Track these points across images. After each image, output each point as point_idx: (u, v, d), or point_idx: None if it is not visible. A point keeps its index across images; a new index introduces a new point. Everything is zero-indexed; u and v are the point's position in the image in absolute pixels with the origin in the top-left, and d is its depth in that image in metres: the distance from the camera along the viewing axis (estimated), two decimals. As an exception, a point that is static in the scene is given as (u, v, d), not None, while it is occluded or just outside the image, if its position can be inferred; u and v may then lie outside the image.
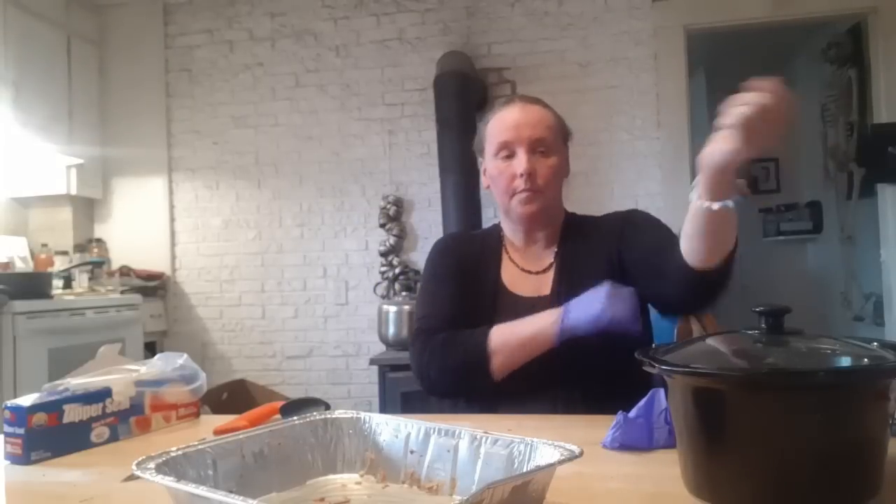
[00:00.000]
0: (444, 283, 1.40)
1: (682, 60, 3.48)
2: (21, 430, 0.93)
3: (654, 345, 0.98)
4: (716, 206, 0.98)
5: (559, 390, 1.22)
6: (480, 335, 1.25)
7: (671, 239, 1.18)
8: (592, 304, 1.13)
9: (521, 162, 1.32)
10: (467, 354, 1.24)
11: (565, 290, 1.31)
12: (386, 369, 3.08)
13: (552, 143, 1.35)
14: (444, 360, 1.26)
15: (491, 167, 1.38)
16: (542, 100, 1.42)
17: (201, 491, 0.59)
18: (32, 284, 3.02)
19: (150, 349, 3.63)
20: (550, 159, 1.34)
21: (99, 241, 3.92)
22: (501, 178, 1.35)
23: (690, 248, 1.07)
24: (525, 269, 1.41)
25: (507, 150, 1.34)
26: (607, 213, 1.45)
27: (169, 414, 1.11)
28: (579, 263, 1.34)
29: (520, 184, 1.32)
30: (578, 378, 1.22)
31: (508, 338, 1.23)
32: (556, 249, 1.40)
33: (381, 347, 3.36)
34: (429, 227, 3.62)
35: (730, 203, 0.98)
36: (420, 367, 1.29)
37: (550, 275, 1.37)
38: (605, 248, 1.33)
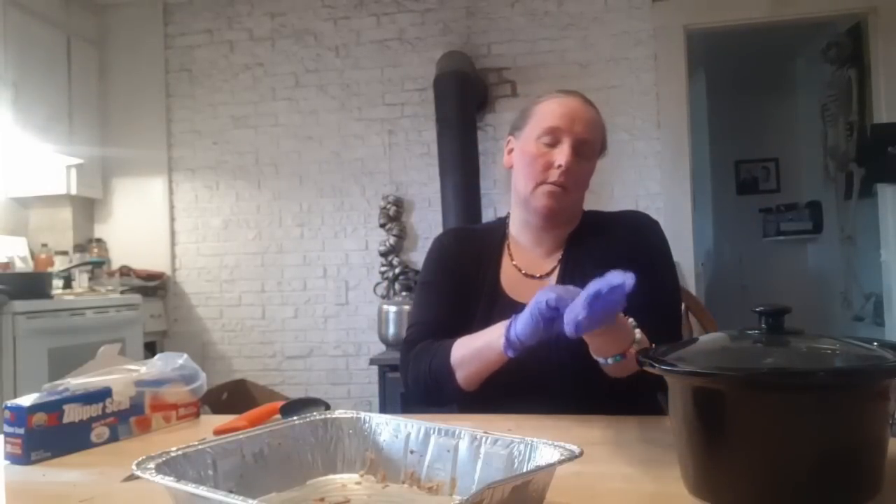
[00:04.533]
0: (436, 290, 1.35)
1: (682, 60, 3.48)
2: (21, 430, 0.93)
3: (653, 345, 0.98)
4: (601, 360, 1.04)
5: (556, 391, 1.18)
6: (446, 349, 1.21)
7: (660, 315, 1.17)
8: (534, 319, 1.02)
9: (563, 153, 1.24)
10: (433, 368, 1.22)
11: None
12: (386, 369, 3.08)
13: (594, 149, 1.31)
14: (417, 371, 1.25)
15: (526, 148, 1.28)
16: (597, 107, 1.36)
17: (201, 491, 0.59)
18: (32, 284, 3.02)
19: (150, 349, 3.64)
20: (588, 164, 1.29)
21: (99, 241, 3.92)
22: (535, 163, 1.26)
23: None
24: (527, 273, 1.32)
25: (553, 137, 1.26)
26: (623, 213, 1.39)
27: (169, 414, 1.11)
28: (583, 271, 1.22)
29: (553, 175, 1.24)
30: (574, 379, 1.18)
31: (465, 352, 1.18)
32: (560, 255, 1.32)
33: (381, 347, 3.36)
34: (429, 227, 3.62)
35: (610, 360, 1.03)
36: (402, 375, 1.30)
37: (552, 281, 1.29)
38: (614, 257, 1.16)
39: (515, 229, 1.37)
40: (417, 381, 1.25)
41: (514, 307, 1.24)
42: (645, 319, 1.08)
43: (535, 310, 1.01)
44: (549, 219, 1.29)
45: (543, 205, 1.26)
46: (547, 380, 1.19)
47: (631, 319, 1.05)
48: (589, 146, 1.28)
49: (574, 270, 1.28)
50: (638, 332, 1.04)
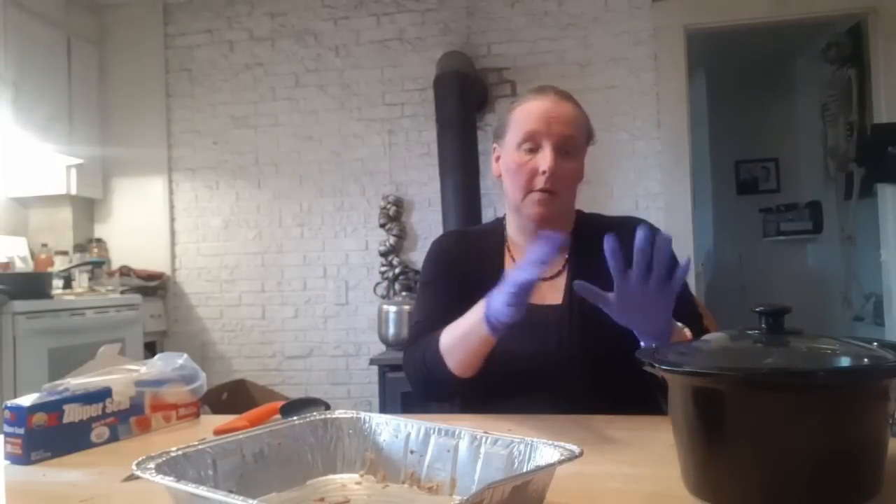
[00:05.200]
0: (437, 289, 1.34)
1: (682, 60, 3.48)
2: (21, 430, 0.93)
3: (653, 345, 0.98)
4: None
5: (557, 392, 1.18)
6: (436, 338, 1.19)
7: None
8: (505, 294, 1.01)
9: (546, 159, 1.21)
10: (427, 358, 1.20)
11: (578, 297, 1.19)
12: (386, 369, 3.08)
13: (578, 144, 1.26)
14: (414, 365, 1.24)
15: (510, 158, 1.27)
16: (574, 97, 1.31)
17: (201, 491, 0.59)
18: (32, 284, 3.02)
19: (150, 349, 3.64)
20: (574, 162, 1.25)
21: (99, 241, 3.92)
22: (520, 172, 1.24)
23: None
24: None
25: (532, 143, 1.23)
26: (626, 219, 1.36)
27: (169, 414, 1.11)
28: (596, 271, 1.18)
29: (539, 182, 1.22)
30: (577, 379, 1.19)
31: (451, 339, 1.16)
32: (566, 255, 1.30)
33: (381, 347, 3.36)
34: (429, 227, 3.62)
35: None
36: (406, 374, 1.29)
37: (562, 282, 1.28)
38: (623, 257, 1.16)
39: (513, 231, 1.36)
40: (417, 376, 1.24)
41: None
42: None
43: (508, 289, 1.00)
44: (543, 225, 1.26)
45: (535, 213, 1.25)
46: (553, 380, 1.19)
47: (679, 323, 1.03)
48: (572, 142, 1.24)
49: (585, 269, 1.22)
50: (687, 332, 1.03)
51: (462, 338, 1.14)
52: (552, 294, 1.27)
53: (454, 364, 1.16)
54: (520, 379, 1.20)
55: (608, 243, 0.93)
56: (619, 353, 1.01)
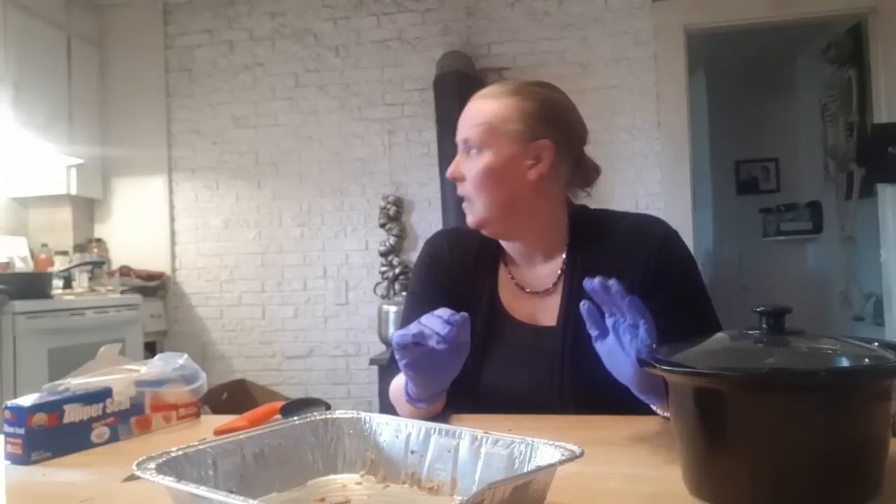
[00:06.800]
0: (423, 303, 1.18)
1: (682, 60, 3.48)
2: (21, 430, 0.93)
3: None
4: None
5: (557, 398, 1.12)
6: (391, 386, 1.17)
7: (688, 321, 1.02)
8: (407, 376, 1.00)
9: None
10: (386, 395, 1.20)
11: (573, 321, 1.09)
12: (386, 369, 3.07)
13: (484, 139, 1.12)
14: (388, 395, 1.22)
15: None
16: (513, 84, 1.17)
17: (202, 491, 0.59)
18: (32, 284, 3.02)
19: (150, 349, 3.64)
20: (479, 158, 1.12)
21: (99, 241, 3.92)
22: None
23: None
24: (524, 287, 1.20)
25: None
26: (631, 218, 1.25)
27: (169, 414, 1.11)
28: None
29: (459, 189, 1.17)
30: (570, 408, 1.11)
31: (394, 395, 1.14)
32: (561, 268, 1.18)
33: (381, 347, 3.36)
34: (429, 227, 3.62)
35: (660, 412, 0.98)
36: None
37: (556, 300, 1.16)
38: (627, 271, 1.06)
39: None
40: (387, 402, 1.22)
41: (518, 328, 1.17)
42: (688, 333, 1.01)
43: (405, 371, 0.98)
44: (484, 232, 1.19)
45: (467, 221, 1.18)
46: (544, 408, 1.10)
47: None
48: (473, 141, 1.13)
49: (578, 287, 1.03)
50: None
51: (400, 401, 1.09)
52: (546, 314, 1.17)
53: (400, 413, 1.12)
54: (509, 406, 1.11)
55: (584, 308, 0.90)
56: (615, 382, 0.95)
